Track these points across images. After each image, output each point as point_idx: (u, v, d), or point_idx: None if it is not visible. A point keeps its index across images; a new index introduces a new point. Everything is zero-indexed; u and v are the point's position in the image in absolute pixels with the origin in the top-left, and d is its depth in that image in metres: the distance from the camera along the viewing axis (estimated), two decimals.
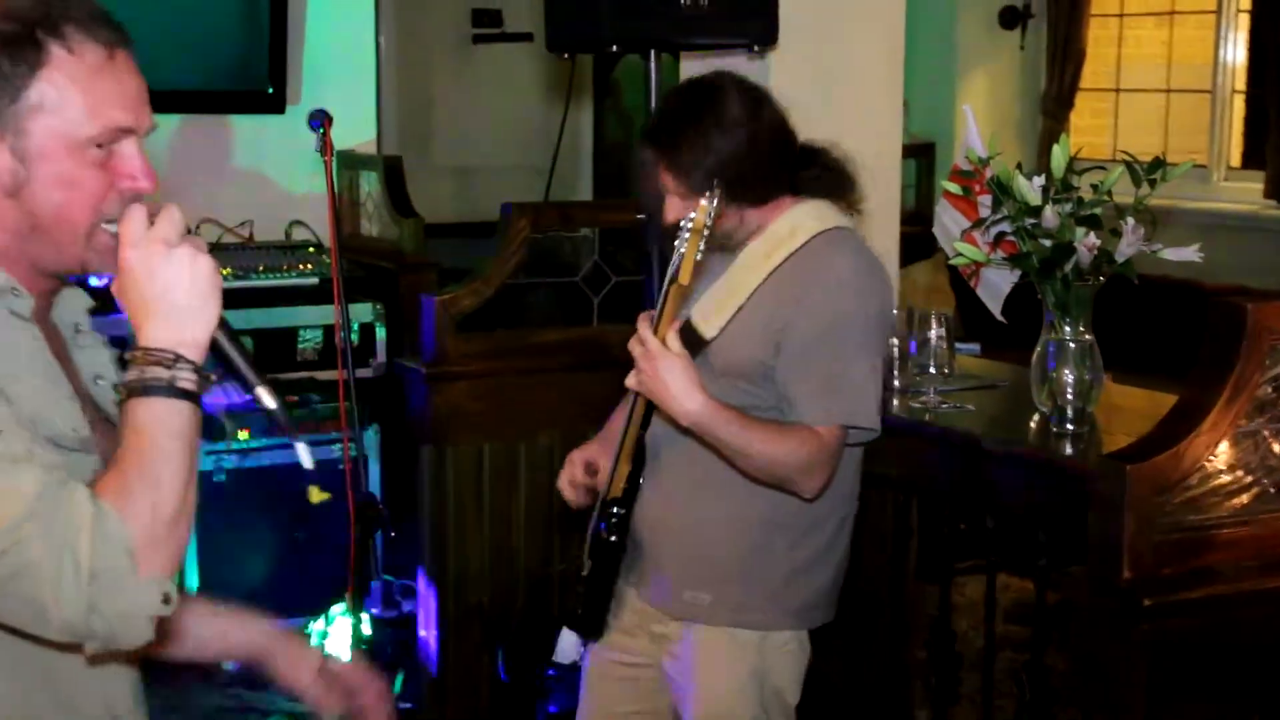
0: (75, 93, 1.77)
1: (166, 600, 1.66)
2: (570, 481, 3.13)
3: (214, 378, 1.78)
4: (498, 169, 7.77)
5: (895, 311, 3.25)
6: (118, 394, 1.77)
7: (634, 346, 2.77)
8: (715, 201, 2.71)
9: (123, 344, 1.85)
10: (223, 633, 2.26)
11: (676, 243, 2.73)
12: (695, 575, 2.99)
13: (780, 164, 2.94)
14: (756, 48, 3.97)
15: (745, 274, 2.94)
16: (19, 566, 1.60)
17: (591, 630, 3.11)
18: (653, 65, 4.03)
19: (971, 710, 3.52)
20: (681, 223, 2.72)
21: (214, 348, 1.78)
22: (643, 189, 3.03)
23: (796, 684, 3.05)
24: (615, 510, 3.01)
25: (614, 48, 3.95)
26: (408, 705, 4.40)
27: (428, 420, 4.02)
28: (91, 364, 1.99)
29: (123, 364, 1.84)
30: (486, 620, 4.12)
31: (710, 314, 2.97)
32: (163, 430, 1.69)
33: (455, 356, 4.03)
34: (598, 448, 3.20)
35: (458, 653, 4.11)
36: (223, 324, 1.79)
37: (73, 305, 1.98)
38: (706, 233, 2.71)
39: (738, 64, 4.05)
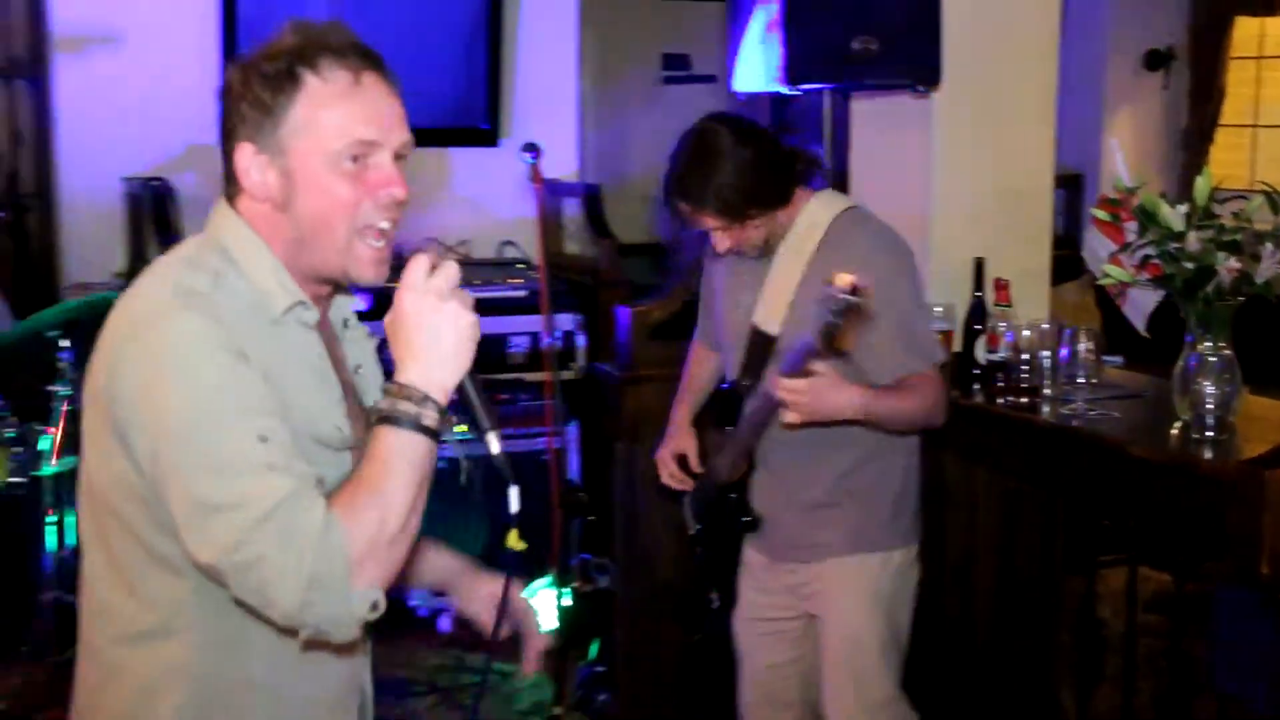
0: (325, 113, 1.85)
1: (374, 608, 1.73)
2: (671, 475, 3.41)
3: (455, 420, 1.84)
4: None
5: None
6: (381, 394, 1.82)
7: (785, 396, 2.85)
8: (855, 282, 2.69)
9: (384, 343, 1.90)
10: (421, 560, 2.34)
11: (824, 313, 2.67)
12: (813, 520, 3.16)
13: (781, 163, 3.11)
14: (921, 88, 3.92)
15: (786, 272, 3.12)
16: (254, 559, 1.67)
17: (720, 584, 3.34)
18: (825, 104, 4.02)
19: (1113, 691, 3.44)
20: (835, 297, 2.67)
21: (460, 390, 1.84)
22: (683, 228, 3.16)
23: (911, 600, 3.24)
24: (732, 495, 3.24)
25: (790, 89, 3.93)
26: (601, 668, 4.43)
27: (621, 418, 4.05)
28: (356, 355, 2.07)
29: (386, 370, 1.92)
30: (674, 596, 4.13)
31: (769, 315, 3.13)
32: (399, 458, 1.75)
33: (646, 362, 4.05)
34: (676, 442, 3.46)
35: (645, 623, 4.13)
36: (471, 372, 1.84)
37: (342, 304, 2.05)
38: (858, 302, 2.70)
39: (903, 103, 4.02)
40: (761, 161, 3.04)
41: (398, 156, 1.94)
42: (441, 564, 2.37)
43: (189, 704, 1.88)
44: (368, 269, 1.91)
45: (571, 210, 6.19)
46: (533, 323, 5.58)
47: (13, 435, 4.79)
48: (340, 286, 2.00)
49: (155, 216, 5.54)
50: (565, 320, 5.59)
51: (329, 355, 1.96)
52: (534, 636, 2.33)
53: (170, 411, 1.73)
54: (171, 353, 1.75)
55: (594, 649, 4.55)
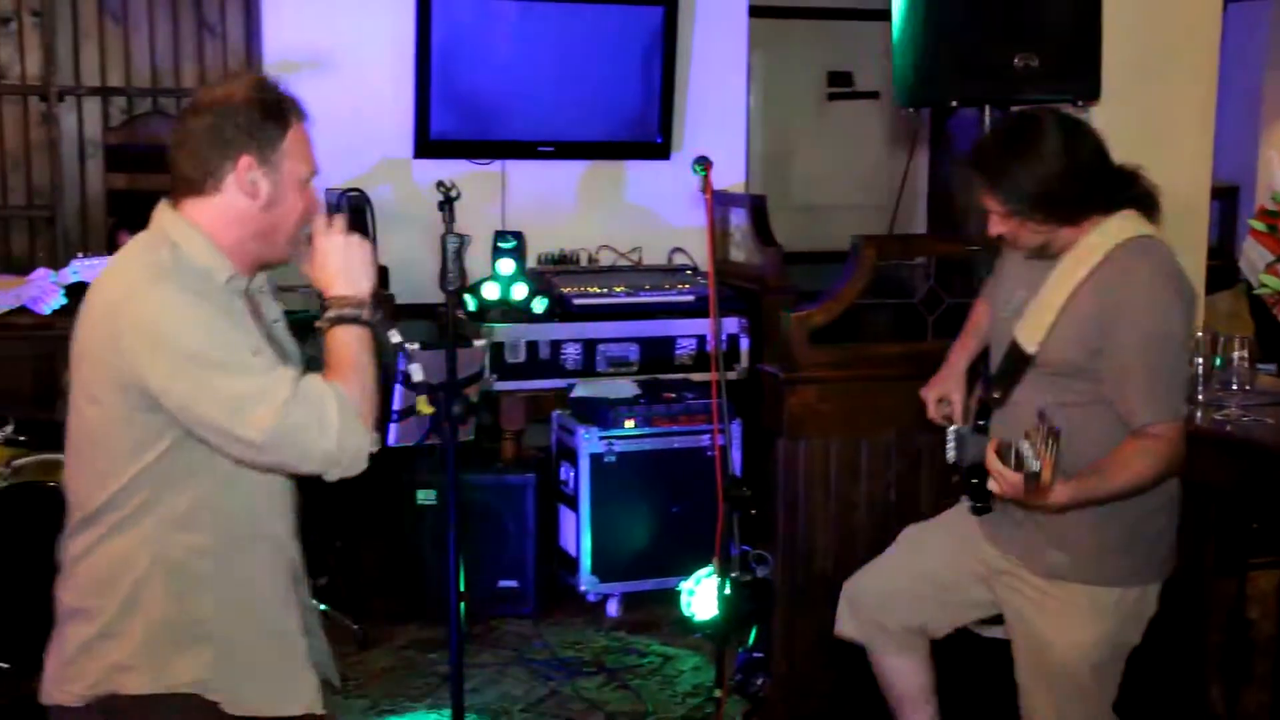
0: (299, 149, 2.47)
1: (375, 443, 2.33)
2: (934, 414, 3.30)
3: (380, 315, 2.50)
4: (845, 206, 7.74)
5: (1195, 302, 3.13)
6: (316, 332, 2.44)
7: (993, 476, 2.78)
8: (1046, 438, 2.66)
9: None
10: None
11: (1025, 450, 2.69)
12: (1044, 534, 2.98)
13: (1093, 188, 2.89)
14: (1080, 102, 3.87)
15: (1058, 289, 2.91)
16: (292, 428, 2.24)
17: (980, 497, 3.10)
18: (986, 117, 3.98)
19: (1261, 691, 3.35)
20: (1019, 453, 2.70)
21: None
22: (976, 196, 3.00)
23: (1138, 635, 3.03)
24: (974, 480, 3.04)
25: (953, 103, 3.91)
26: (758, 654, 4.44)
27: (783, 417, 4.05)
28: (271, 312, 2.59)
29: (307, 325, 2.63)
30: (829, 587, 4.11)
31: (1031, 333, 2.95)
32: (358, 343, 2.40)
33: (808, 364, 4.05)
34: (942, 385, 3.31)
35: (800, 612, 4.13)
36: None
37: (260, 276, 2.56)
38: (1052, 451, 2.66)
39: None
40: (1070, 175, 2.85)
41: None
42: None
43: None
44: (297, 254, 2.51)
45: (738, 220, 6.22)
46: (699, 326, 5.63)
47: None
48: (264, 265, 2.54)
49: (353, 224, 5.68)
50: (730, 323, 5.62)
51: (254, 313, 2.48)
52: None
53: (183, 348, 2.25)
54: (164, 311, 2.27)
55: (752, 635, 4.56)
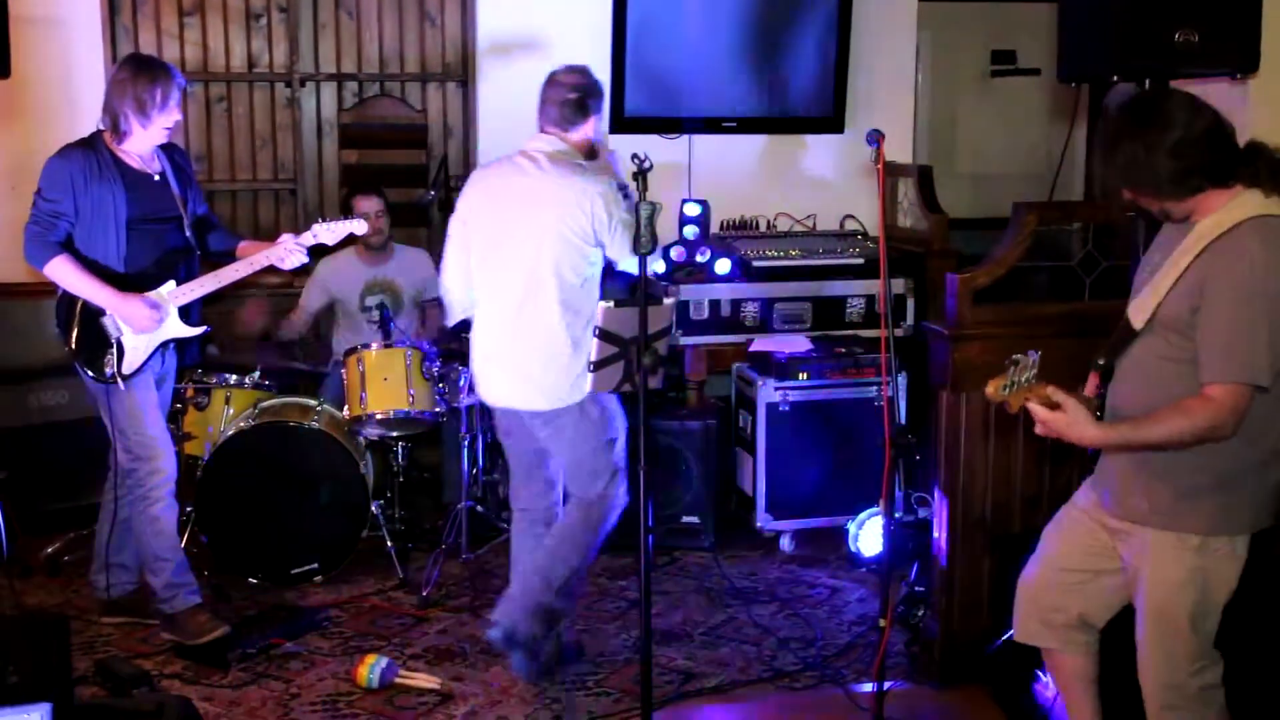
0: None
1: None
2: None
3: None
4: (1006, 176, 7.54)
5: None
6: None
7: (1034, 416, 2.83)
8: (1032, 368, 2.73)
9: None
10: None
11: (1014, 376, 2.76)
12: (1130, 483, 2.93)
13: (1213, 161, 2.78)
14: (1238, 75, 3.69)
15: (1183, 255, 2.82)
16: None
17: None
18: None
19: None
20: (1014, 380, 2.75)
21: None
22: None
23: (1231, 582, 2.90)
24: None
25: (1115, 78, 3.77)
26: (921, 589, 4.39)
27: (947, 371, 3.98)
28: None
29: None
30: (987, 529, 4.05)
31: (1140, 307, 2.88)
32: None
33: (971, 322, 3.97)
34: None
35: (963, 552, 4.06)
36: None
37: None
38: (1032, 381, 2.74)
39: (1219, 90, 3.79)
40: (1172, 152, 2.75)
41: None
42: None
43: None
44: None
45: (905, 188, 6.11)
46: (868, 286, 5.57)
47: (438, 373, 5.09)
48: None
49: None
50: (897, 284, 5.54)
51: None
52: None
53: None
54: None
55: (914, 571, 4.51)
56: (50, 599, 4.80)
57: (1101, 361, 3.01)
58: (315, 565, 4.93)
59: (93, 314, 4.18)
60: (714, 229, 5.84)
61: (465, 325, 4.21)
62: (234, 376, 5.10)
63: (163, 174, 4.29)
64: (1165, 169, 2.77)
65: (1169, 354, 2.84)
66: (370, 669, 4.06)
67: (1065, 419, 2.78)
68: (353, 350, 5.06)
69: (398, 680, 4.09)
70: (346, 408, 5.02)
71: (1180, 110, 2.79)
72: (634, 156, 3.29)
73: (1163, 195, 2.82)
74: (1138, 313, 2.92)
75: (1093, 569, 3.10)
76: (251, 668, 4.23)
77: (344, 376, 5.08)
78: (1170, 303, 2.83)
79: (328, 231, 4.47)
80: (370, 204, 5.53)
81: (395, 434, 5.21)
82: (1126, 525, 2.97)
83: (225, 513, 4.85)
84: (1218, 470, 2.82)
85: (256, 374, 5.18)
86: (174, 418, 4.82)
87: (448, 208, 6.07)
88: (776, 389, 5.26)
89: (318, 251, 4.83)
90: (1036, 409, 2.79)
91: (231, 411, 5.04)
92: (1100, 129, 2.94)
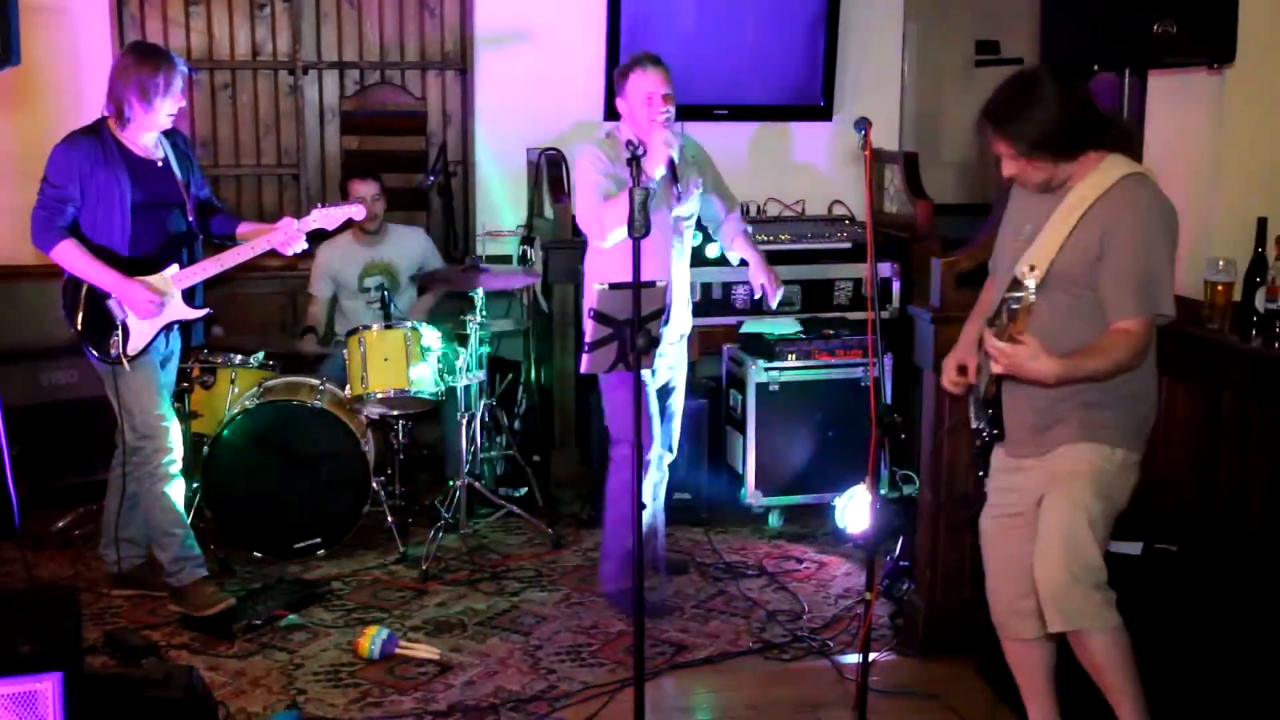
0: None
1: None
2: (951, 382, 3.31)
3: None
4: (990, 163, 7.52)
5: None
6: None
7: (991, 353, 2.91)
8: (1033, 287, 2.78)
9: None
10: None
11: (1009, 301, 2.80)
12: (1045, 425, 3.07)
13: (1085, 129, 2.96)
14: (1215, 65, 3.68)
15: (1064, 220, 2.99)
16: None
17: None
18: (1126, 80, 3.82)
19: None
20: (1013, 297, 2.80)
21: None
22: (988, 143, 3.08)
23: (1126, 494, 3.09)
24: (990, 410, 3.20)
25: (1095, 67, 3.75)
26: (905, 562, 4.40)
27: (932, 352, 3.98)
28: None
29: None
30: (968, 505, 4.05)
31: (1030, 265, 2.95)
32: None
33: (954, 305, 3.96)
34: (958, 355, 3.33)
35: (946, 527, 4.07)
36: None
37: None
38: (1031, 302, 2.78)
39: (1197, 79, 3.78)
40: (1064, 114, 2.92)
41: None
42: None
43: None
44: None
45: (892, 175, 6.09)
46: (856, 270, 5.55)
47: (442, 352, 5.09)
48: None
49: (550, 179, 5.75)
50: (884, 268, 5.52)
51: None
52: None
53: None
54: None
55: (898, 546, 4.52)
56: (61, 571, 4.79)
57: (996, 322, 3.05)
58: (318, 540, 4.92)
59: (98, 297, 4.16)
60: None
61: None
62: (239, 356, 5.08)
63: (165, 159, 4.27)
64: (1064, 129, 2.92)
65: (1071, 303, 2.98)
66: (371, 640, 4.06)
67: (1028, 352, 2.85)
68: (354, 331, 5.05)
69: (398, 651, 4.09)
70: (348, 387, 5.01)
71: (1062, 80, 2.97)
72: (628, 144, 3.28)
73: (1060, 156, 2.96)
74: (1027, 276, 2.98)
75: (1030, 542, 3.13)
76: (256, 639, 4.22)
77: (345, 357, 5.07)
78: (1066, 258, 2.97)
79: (326, 216, 4.45)
80: (367, 188, 5.53)
81: (395, 412, 5.20)
82: (1037, 465, 3.11)
83: (231, 489, 4.84)
84: (1119, 394, 3.02)
85: (261, 354, 5.17)
86: (181, 397, 4.80)
87: (447, 193, 6.08)
88: (766, 369, 5.25)
89: (317, 237, 4.81)
90: (1000, 345, 2.85)
91: (237, 390, 5.02)
92: (994, 104, 3.01)
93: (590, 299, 3.62)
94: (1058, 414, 3.06)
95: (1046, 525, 3.08)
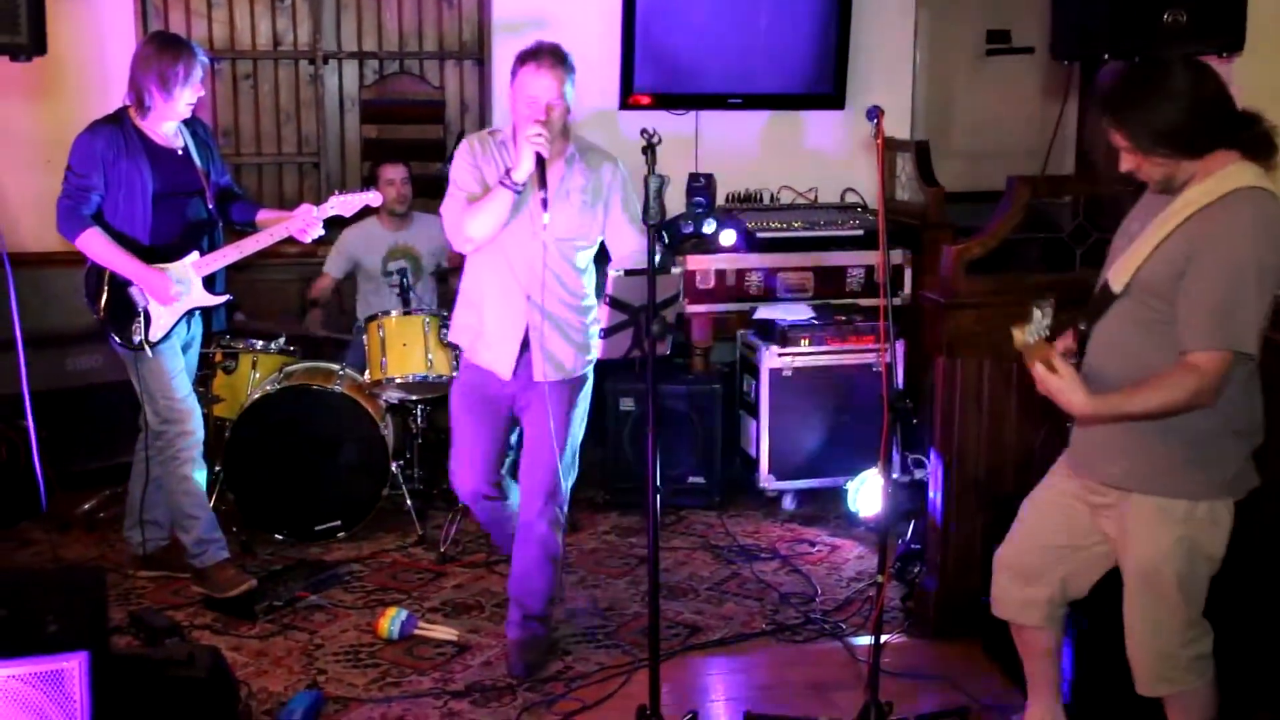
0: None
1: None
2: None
3: None
4: (1001, 151, 7.47)
5: None
6: None
7: (1040, 381, 2.76)
8: (1048, 315, 2.67)
9: None
10: None
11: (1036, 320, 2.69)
12: (1113, 449, 2.85)
13: (1215, 126, 2.69)
14: (1225, 54, 3.65)
15: (1171, 218, 2.73)
16: None
17: None
18: None
19: None
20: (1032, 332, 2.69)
21: None
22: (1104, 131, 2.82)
23: (1218, 550, 2.83)
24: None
25: (1105, 56, 3.73)
26: (917, 546, 4.39)
27: (942, 338, 3.97)
28: None
29: None
30: (981, 488, 4.04)
31: (1124, 269, 2.79)
32: None
33: (965, 292, 3.95)
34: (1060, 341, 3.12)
35: (958, 511, 4.06)
36: None
37: None
38: (1046, 334, 2.68)
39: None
40: (1192, 110, 2.66)
41: None
42: None
43: None
44: None
45: (903, 163, 6.06)
46: (868, 257, 5.54)
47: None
48: None
49: None
50: (896, 255, 5.51)
51: None
52: None
53: None
54: None
55: (910, 530, 4.51)
56: (87, 553, 4.81)
57: (1082, 326, 2.95)
58: (338, 522, 4.93)
59: (120, 284, 4.17)
60: (720, 201, 5.81)
61: None
62: (260, 342, 5.09)
63: (186, 148, 4.27)
64: (1188, 125, 2.67)
65: (1147, 318, 2.77)
66: (391, 621, 4.07)
67: (1059, 383, 2.71)
68: (373, 317, 5.05)
69: (417, 632, 4.10)
70: (367, 372, 5.01)
71: (1194, 70, 2.70)
72: (643, 131, 3.27)
73: (1179, 153, 2.70)
74: (1118, 276, 2.83)
75: (1073, 544, 3.03)
76: (278, 619, 4.24)
77: (365, 342, 5.07)
78: (1152, 267, 2.75)
79: (344, 203, 4.45)
80: (396, 171, 5.57)
81: (414, 397, 5.20)
82: (1108, 495, 2.90)
83: (252, 472, 4.85)
84: (1196, 435, 2.75)
85: (282, 339, 5.17)
86: (203, 381, 4.82)
87: None
88: (779, 355, 5.24)
89: (340, 222, 4.81)
90: (1038, 369, 2.74)
91: (258, 375, 5.03)
92: (1114, 90, 2.75)
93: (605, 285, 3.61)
94: (1112, 448, 2.85)
95: (1131, 611, 2.88)
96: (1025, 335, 2.71)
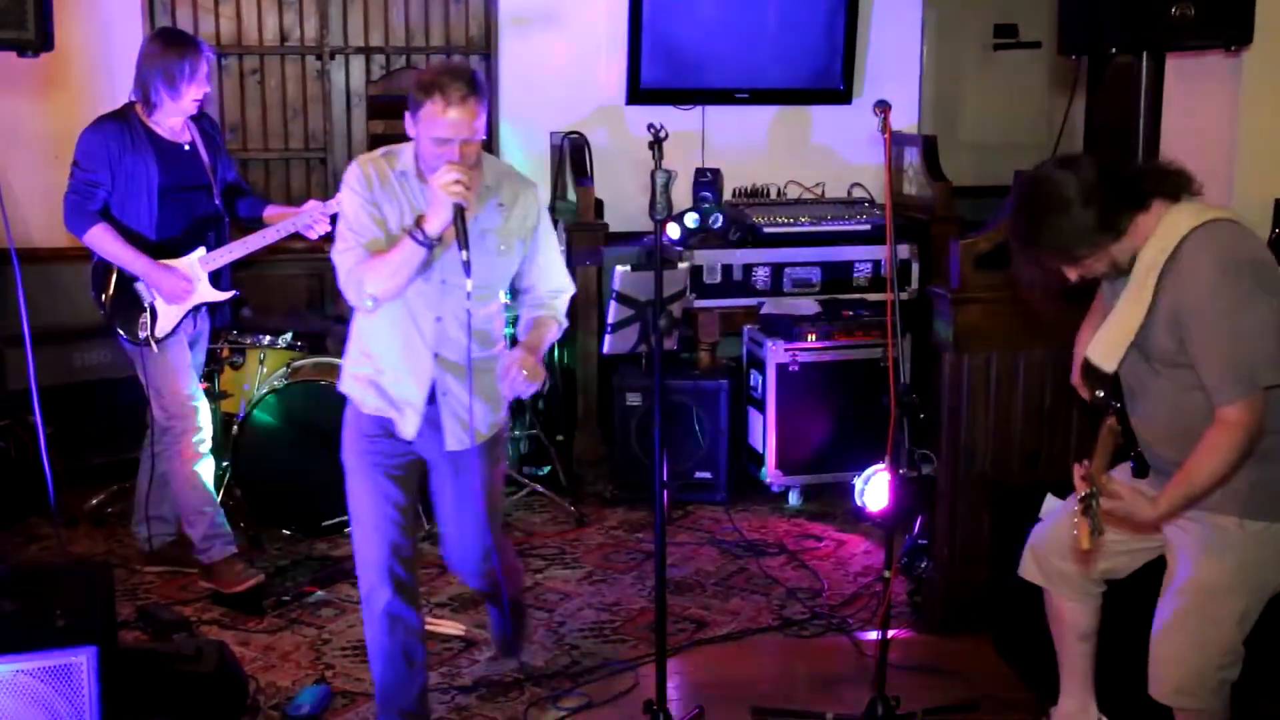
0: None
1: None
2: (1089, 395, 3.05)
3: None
4: (1007, 145, 7.46)
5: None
6: None
7: (1114, 524, 2.72)
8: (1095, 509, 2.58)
9: None
10: None
11: (1081, 501, 2.59)
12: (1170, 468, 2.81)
13: (1119, 200, 2.69)
14: (1232, 47, 3.64)
15: (1130, 306, 2.74)
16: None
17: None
18: (1144, 63, 3.78)
19: None
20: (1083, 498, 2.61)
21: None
22: (1029, 266, 2.82)
23: (1277, 572, 2.80)
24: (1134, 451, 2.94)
25: (1113, 50, 3.72)
26: (923, 541, 4.38)
27: (950, 333, 3.96)
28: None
29: None
30: (987, 483, 4.03)
31: (1108, 351, 2.80)
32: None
33: (973, 286, 3.94)
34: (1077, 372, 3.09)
35: (965, 506, 4.05)
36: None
37: None
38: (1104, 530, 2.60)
39: (1214, 62, 3.73)
40: (1089, 203, 2.67)
41: None
42: None
43: None
44: None
45: (911, 157, 6.05)
46: (875, 252, 5.54)
47: None
48: None
49: (573, 162, 5.74)
50: (903, 250, 5.50)
51: None
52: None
53: None
54: None
55: (917, 525, 4.50)
56: (95, 548, 4.82)
57: (1117, 404, 2.93)
58: (346, 518, 4.93)
59: (127, 279, 4.18)
60: (726, 196, 5.81)
61: None
62: (267, 337, 5.10)
63: (192, 144, 4.27)
64: (1089, 221, 2.68)
65: (1184, 376, 2.75)
66: None
67: (1125, 508, 2.69)
68: None
69: (424, 627, 4.10)
70: None
71: (1068, 166, 2.72)
72: (650, 126, 3.26)
73: (1099, 245, 2.71)
74: (1106, 355, 2.84)
75: (1125, 540, 3.00)
76: (285, 614, 4.24)
77: None
78: (1155, 341, 2.76)
79: None
80: None
81: None
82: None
83: (260, 467, 4.85)
84: (1254, 460, 2.73)
85: (289, 335, 5.18)
86: (210, 377, 4.82)
87: None
88: (786, 350, 5.24)
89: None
90: (1107, 503, 2.66)
91: (265, 371, 5.04)
92: (1014, 229, 2.81)
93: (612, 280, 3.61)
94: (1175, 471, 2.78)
95: (1177, 620, 2.80)
96: (1088, 543, 2.60)
